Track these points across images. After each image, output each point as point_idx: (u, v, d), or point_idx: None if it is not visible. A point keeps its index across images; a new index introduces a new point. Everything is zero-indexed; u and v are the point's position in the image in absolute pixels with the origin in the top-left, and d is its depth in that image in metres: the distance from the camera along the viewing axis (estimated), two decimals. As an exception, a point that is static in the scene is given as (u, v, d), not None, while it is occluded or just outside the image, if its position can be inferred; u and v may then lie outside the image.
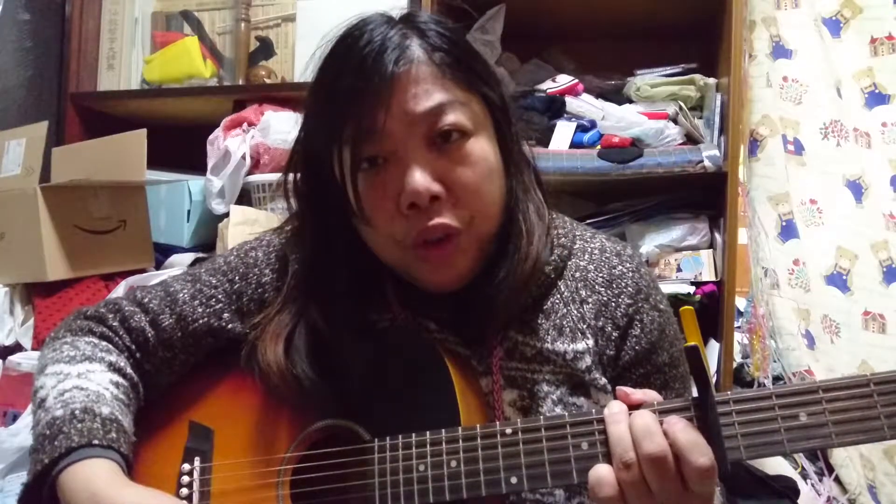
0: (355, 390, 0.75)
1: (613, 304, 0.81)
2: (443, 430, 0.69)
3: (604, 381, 0.79)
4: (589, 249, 0.84)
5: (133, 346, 0.85)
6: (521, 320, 0.79)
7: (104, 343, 0.84)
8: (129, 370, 0.83)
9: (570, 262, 0.82)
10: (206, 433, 0.81)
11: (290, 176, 0.82)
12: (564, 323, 0.80)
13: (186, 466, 0.79)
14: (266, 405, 0.79)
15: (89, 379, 0.78)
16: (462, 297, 0.79)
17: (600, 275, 0.82)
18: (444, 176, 0.72)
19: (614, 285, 0.82)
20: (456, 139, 0.73)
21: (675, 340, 0.85)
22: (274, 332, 0.79)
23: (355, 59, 0.72)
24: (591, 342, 0.80)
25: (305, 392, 0.76)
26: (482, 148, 0.74)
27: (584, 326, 0.80)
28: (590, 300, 0.81)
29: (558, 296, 0.81)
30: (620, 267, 0.83)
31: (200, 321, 0.85)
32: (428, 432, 0.69)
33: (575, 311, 0.81)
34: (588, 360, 0.79)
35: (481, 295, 0.77)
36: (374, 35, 0.72)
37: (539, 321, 0.80)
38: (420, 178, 0.71)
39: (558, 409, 0.78)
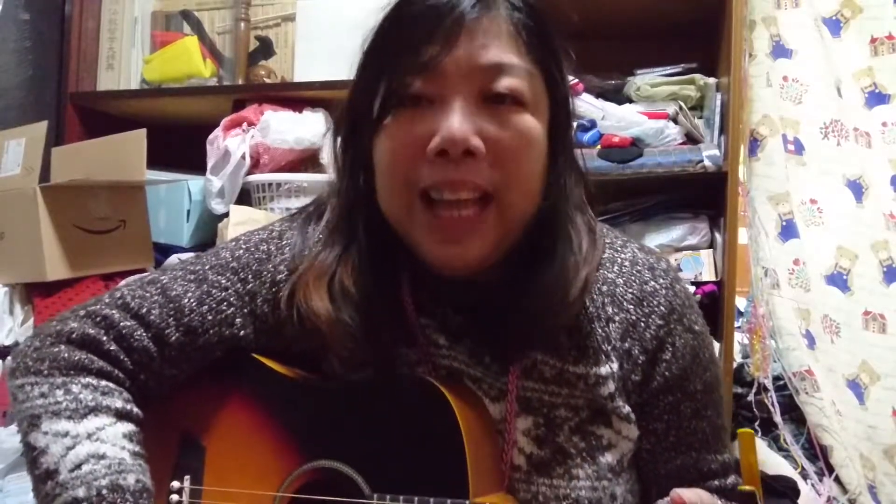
0: (358, 433, 0.71)
1: (642, 324, 0.74)
2: (448, 501, 0.64)
3: (627, 409, 0.74)
4: (619, 261, 0.77)
5: (135, 369, 0.75)
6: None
7: (104, 383, 0.73)
8: (135, 410, 0.73)
9: (597, 273, 0.74)
10: (197, 450, 0.77)
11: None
12: (587, 343, 0.73)
13: (176, 484, 0.76)
14: (260, 428, 0.76)
15: (102, 440, 0.68)
16: (481, 300, 0.72)
17: (630, 290, 0.75)
18: (486, 134, 0.65)
19: (645, 304, 0.75)
20: (509, 104, 0.66)
21: (711, 364, 0.79)
22: (317, 275, 0.72)
23: None
24: (615, 366, 0.73)
25: (351, 338, 0.70)
26: (533, 124, 0.67)
27: (609, 348, 0.73)
28: (616, 318, 0.74)
29: (583, 311, 0.73)
30: (653, 283, 0.76)
31: (211, 331, 0.76)
32: (432, 499, 0.65)
33: (599, 330, 0.73)
34: (611, 387, 0.72)
35: (510, 312, 0.70)
36: None
37: (561, 338, 0.73)
38: (460, 124, 0.63)
39: (576, 439, 0.72)
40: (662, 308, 0.75)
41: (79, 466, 0.66)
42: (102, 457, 0.67)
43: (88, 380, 0.72)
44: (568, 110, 0.73)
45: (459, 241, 0.66)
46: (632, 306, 0.75)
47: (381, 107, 0.67)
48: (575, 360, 0.72)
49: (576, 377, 0.72)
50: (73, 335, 0.74)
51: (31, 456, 0.69)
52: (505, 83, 0.65)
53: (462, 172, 0.64)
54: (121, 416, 0.72)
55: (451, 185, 0.65)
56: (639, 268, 0.76)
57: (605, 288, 0.75)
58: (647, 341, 0.74)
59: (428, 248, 0.68)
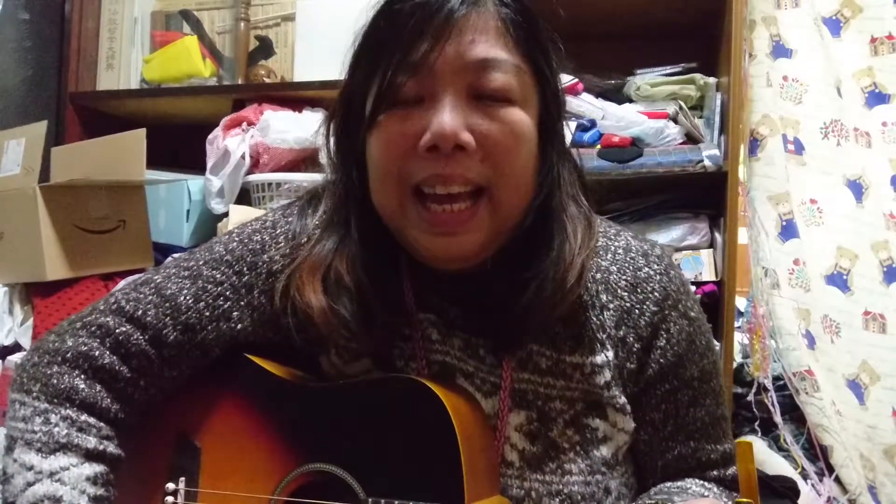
0: (353, 437, 0.70)
1: (637, 311, 0.74)
2: None
3: (623, 400, 0.73)
4: (612, 248, 0.77)
5: (134, 376, 0.75)
6: None
7: (83, 417, 0.72)
8: (109, 449, 0.73)
9: (591, 261, 0.74)
10: (192, 451, 0.77)
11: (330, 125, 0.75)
12: (583, 331, 0.73)
13: (171, 486, 0.76)
14: (256, 431, 0.76)
15: (63, 482, 0.69)
16: (478, 292, 0.72)
17: (623, 277, 0.75)
18: (476, 129, 0.65)
19: (639, 290, 0.74)
20: (498, 100, 0.67)
21: (707, 351, 0.78)
22: (311, 268, 0.72)
23: None
24: (610, 354, 0.73)
25: (347, 329, 0.70)
26: (522, 118, 0.68)
27: (604, 336, 0.73)
28: (611, 306, 0.74)
29: (577, 299, 0.73)
30: (647, 269, 0.76)
31: (209, 327, 0.76)
32: None
33: (594, 319, 0.73)
34: (607, 375, 0.72)
35: (507, 303, 0.70)
36: None
37: (556, 328, 0.73)
38: (450, 119, 0.64)
39: (570, 432, 0.72)
40: (657, 294, 0.75)
41: None
42: (58, 500, 0.68)
43: (68, 412, 0.72)
44: (558, 103, 0.73)
45: (453, 233, 0.67)
46: (626, 293, 0.75)
47: (374, 105, 0.68)
48: (571, 350, 0.72)
49: (572, 367, 0.72)
50: (69, 354, 0.74)
51: (1, 479, 0.71)
52: (493, 79, 0.66)
53: (453, 167, 0.65)
54: (90, 456, 0.72)
55: (443, 180, 0.66)
56: (632, 254, 0.76)
57: (598, 276, 0.75)
58: (642, 328, 0.74)
59: (422, 242, 0.69)
